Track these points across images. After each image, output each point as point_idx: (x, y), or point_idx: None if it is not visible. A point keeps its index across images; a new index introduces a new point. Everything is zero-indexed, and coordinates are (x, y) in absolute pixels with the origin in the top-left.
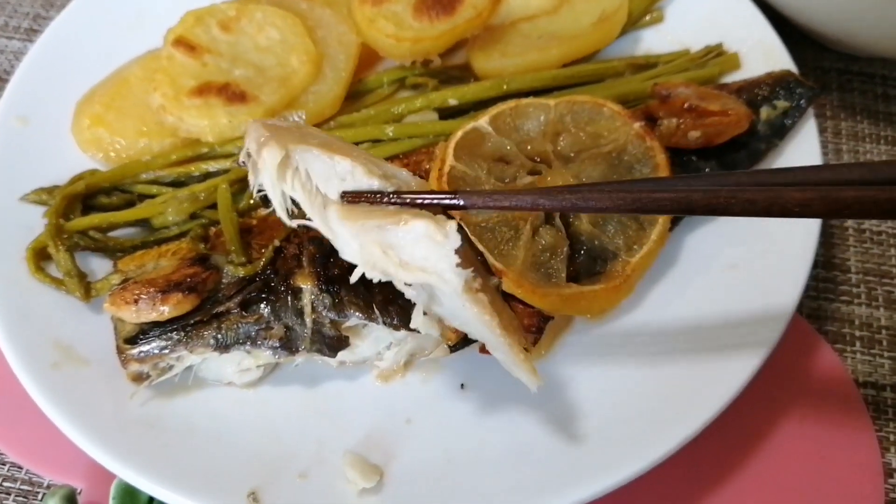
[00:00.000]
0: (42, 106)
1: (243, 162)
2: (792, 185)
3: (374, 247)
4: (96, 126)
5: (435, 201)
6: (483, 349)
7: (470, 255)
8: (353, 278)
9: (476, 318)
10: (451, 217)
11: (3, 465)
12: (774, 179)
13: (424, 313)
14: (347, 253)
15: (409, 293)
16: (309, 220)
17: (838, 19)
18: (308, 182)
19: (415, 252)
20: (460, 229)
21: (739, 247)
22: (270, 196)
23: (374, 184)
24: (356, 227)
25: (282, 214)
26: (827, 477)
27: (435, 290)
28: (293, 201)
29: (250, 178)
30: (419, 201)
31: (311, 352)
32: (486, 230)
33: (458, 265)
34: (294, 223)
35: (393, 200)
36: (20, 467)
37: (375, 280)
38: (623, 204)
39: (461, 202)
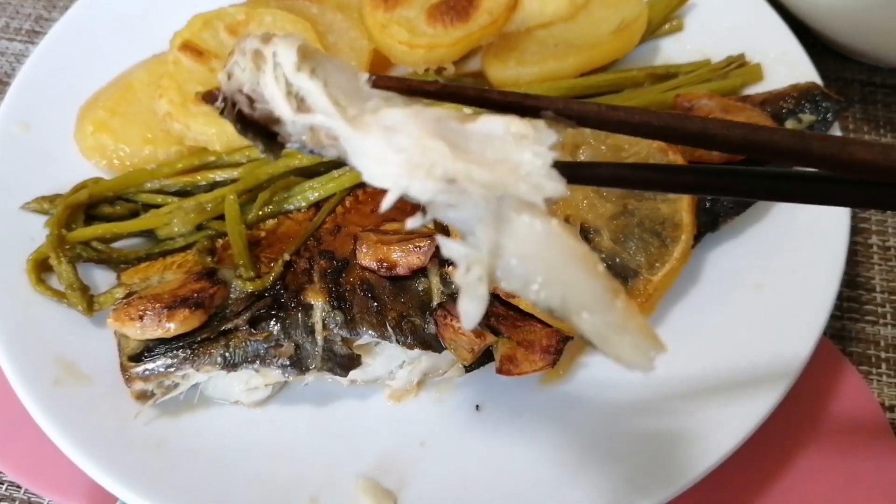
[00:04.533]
0: (44, 111)
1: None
2: None
3: (434, 140)
4: (100, 132)
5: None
6: (500, 370)
7: None
8: (386, 204)
9: (567, 255)
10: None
11: (1, 483)
12: None
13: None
14: (377, 170)
15: (454, 250)
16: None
17: (861, 30)
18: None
19: (488, 156)
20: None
21: (765, 265)
22: (269, 93)
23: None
24: (406, 114)
25: (284, 108)
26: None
27: (507, 219)
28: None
29: (237, 77)
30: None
31: (321, 370)
32: None
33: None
34: (302, 118)
35: (442, 91)
36: (18, 486)
37: (423, 200)
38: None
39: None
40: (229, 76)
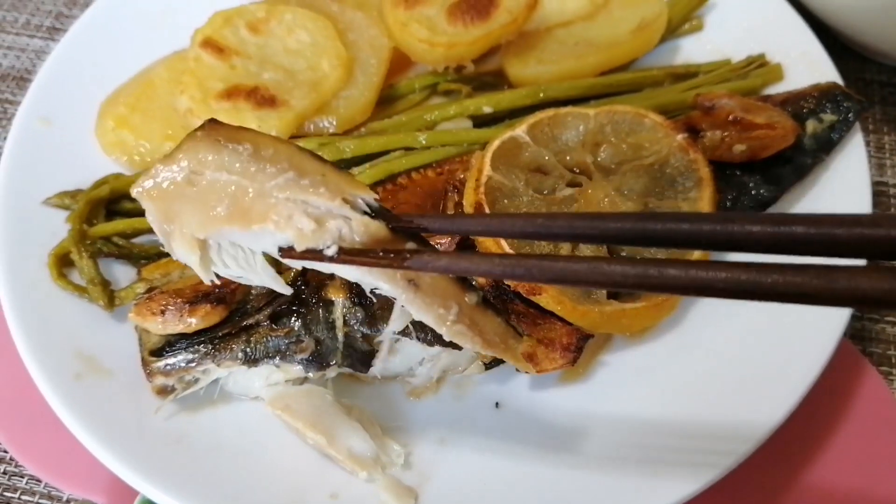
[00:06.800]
0: (65, 107)
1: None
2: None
3: None
4: (120, 128)
5: (381, 265)
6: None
7: (442, 283)
8: None
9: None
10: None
11: (22, 477)
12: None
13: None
14: None
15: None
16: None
17: (882, 30)
18: (237, 249)
19: None
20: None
21: None
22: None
23: (304, 245)
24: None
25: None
26: None
27: None
28: None
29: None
30: (363, 262)
31: (342, 366)
32: (525, 243)
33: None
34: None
35: (334, 260)
36: (39, 480)
37: None
38: (621, 280)
39: (410, 265)
40: None
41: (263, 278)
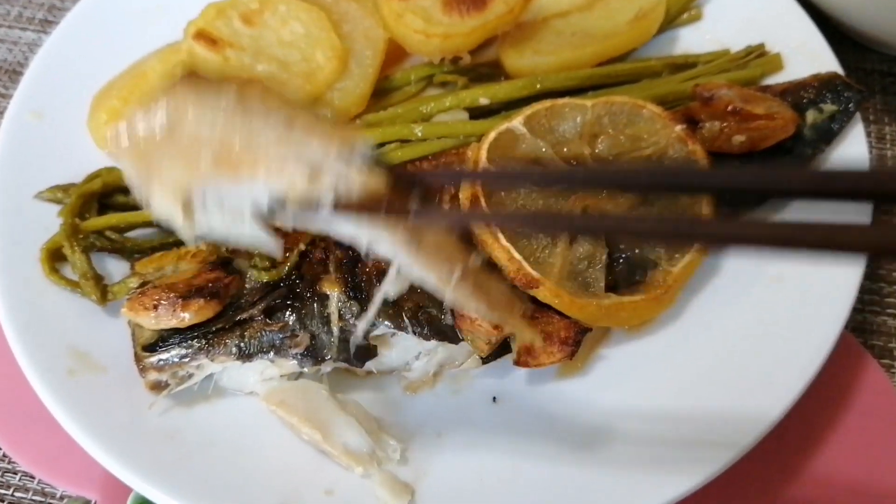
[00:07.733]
0: (57, 100)
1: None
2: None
3: None
4: (113, 121)
5: (381, 216)
6: (518, 362)
7: (444, 242)
8: None
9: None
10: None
11: (15, 474)
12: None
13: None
14: None
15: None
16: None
17: (882, 19)
18: (223, 210)
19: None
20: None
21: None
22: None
23: (297, 197)
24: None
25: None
26: (872, 498)
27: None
28: None
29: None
30: (361, 214)
31: (337, 361)
32: (521, 236)
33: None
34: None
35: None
36: (32, 477)
37: None
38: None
39: (412, 216)
40: None
41: (252, 235)
